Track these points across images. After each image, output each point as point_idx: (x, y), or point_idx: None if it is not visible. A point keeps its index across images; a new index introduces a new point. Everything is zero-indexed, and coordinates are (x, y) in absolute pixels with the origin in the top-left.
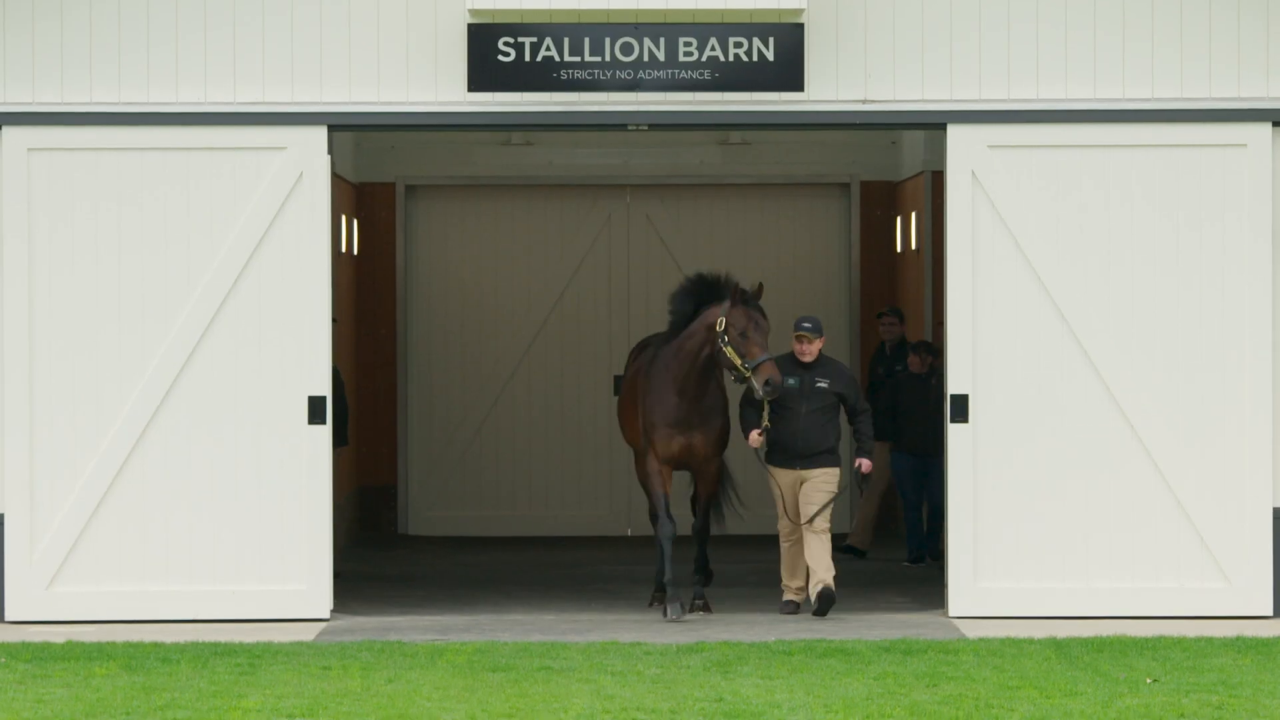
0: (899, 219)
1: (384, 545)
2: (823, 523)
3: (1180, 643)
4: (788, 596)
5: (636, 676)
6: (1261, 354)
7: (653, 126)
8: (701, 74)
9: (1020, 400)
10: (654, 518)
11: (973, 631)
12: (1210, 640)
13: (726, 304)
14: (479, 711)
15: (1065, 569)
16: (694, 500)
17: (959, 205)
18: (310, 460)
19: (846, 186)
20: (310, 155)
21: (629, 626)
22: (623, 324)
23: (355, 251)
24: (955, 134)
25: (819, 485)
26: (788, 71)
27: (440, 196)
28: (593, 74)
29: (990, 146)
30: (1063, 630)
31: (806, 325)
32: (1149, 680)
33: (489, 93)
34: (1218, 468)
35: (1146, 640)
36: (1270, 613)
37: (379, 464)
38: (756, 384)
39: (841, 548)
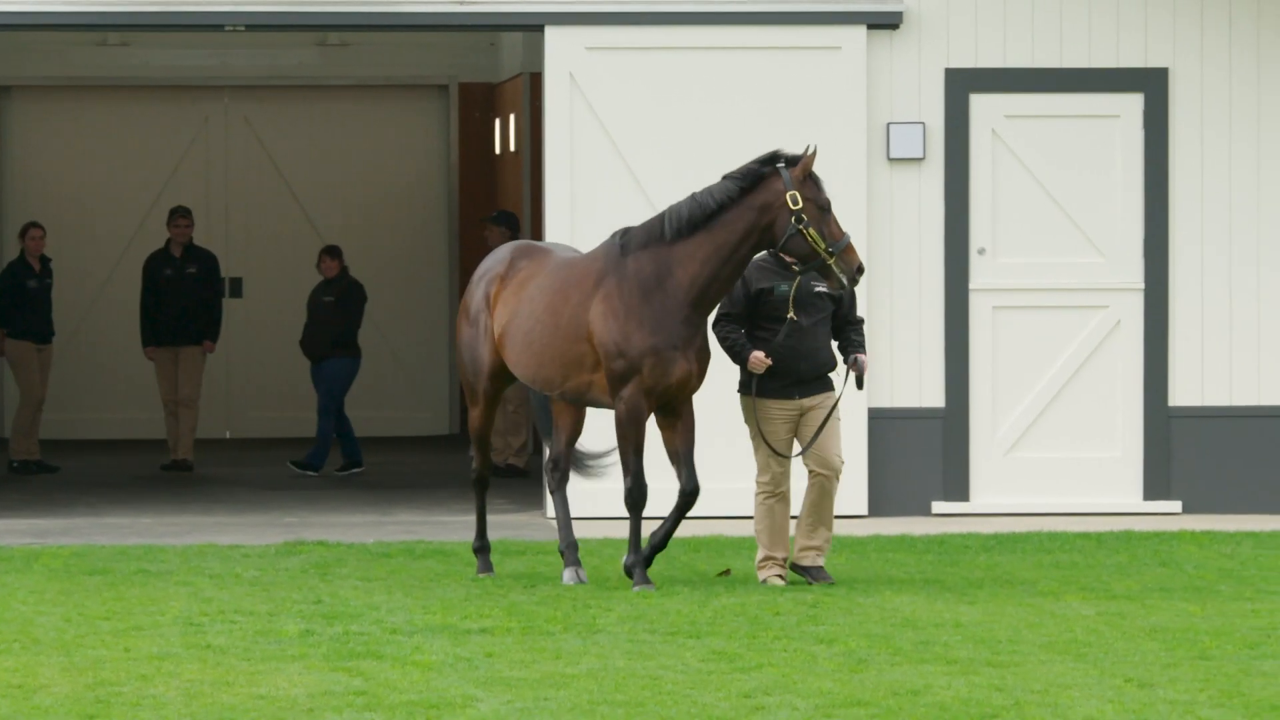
0: (498, 121)
1: None
2: (835, 461)
3: None
4: (773, 572)
5: (234, 579)
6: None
7: (250, 27)
8: None
9: None
10: (637, 477)
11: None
12: None
13: (785, 176)
14: (75, 615)
15: (667, 469)
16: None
17: (557, 108)
18: None
19: (445, 88)
20: None
21: (227, 529)
22: (220, 227)
23: None
24: (553, 36)
25: (822, 416)
26: None
27: (35, 97)
28: None
29: (588, 49)
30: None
31: None
32: (723, 572)
33: None
34: None
35: (743, 540)
36: (865, 512)
37: None
38: (842, 273)
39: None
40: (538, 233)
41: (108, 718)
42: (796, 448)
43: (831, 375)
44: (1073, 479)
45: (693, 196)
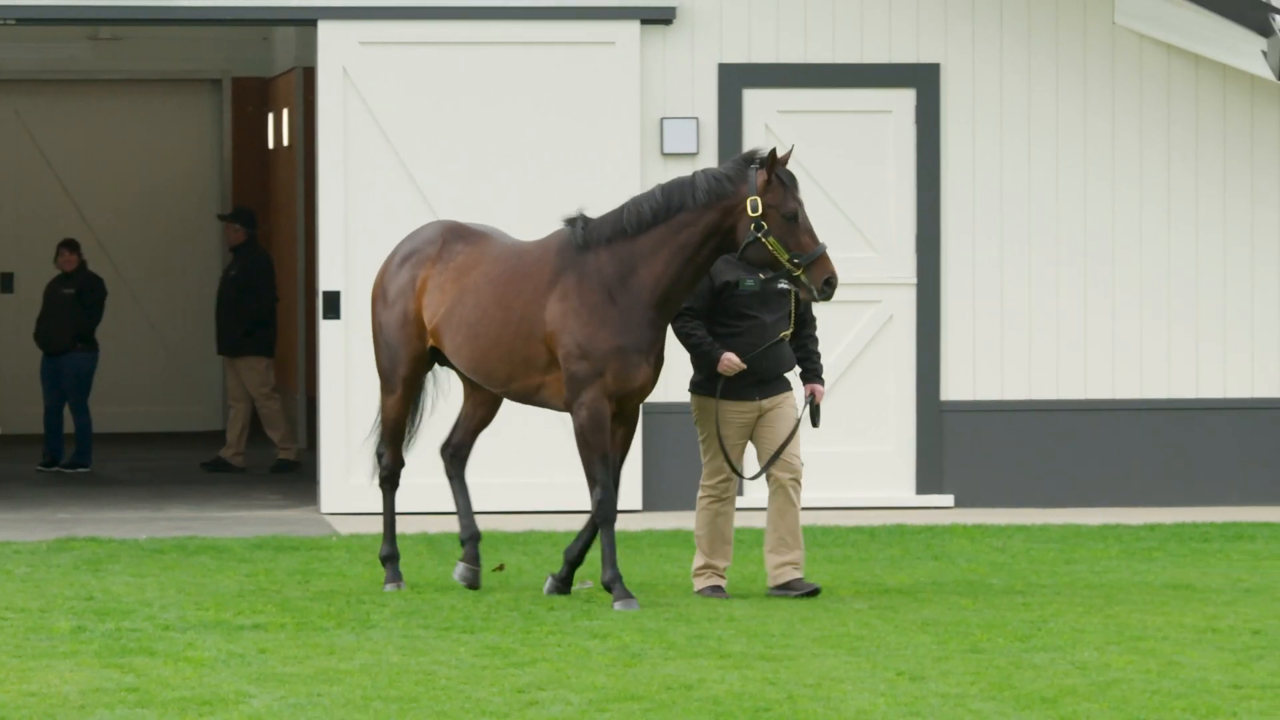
0: (271, 115)
1: None
2: (796, 464)
3: (550, 537)
4: (711, 582)
5: (5, 576)
6: None
7: (21, 21)
8: None
9: None
10: (606, 488)
11: (345, 528)
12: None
13: (751, 179)
14: None
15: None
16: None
17: (330, 103)
18: None
19: (218, 82)
20: None
21: None
22: None
23: None
24: (326, 30)
25: (786, 414)
26: None
27: None
28: None
29: (362, 43)
30: (436, 526)
31: None
32: (497, 567)
33: None
34: None
35: (519, 534)
36: (640, 506)
37: None
38: (811, 286)
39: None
40: (311, 229)
41: None
42: (752, 466)
43: (786, 374)
44: (845, 473)
45: (659, 189)
